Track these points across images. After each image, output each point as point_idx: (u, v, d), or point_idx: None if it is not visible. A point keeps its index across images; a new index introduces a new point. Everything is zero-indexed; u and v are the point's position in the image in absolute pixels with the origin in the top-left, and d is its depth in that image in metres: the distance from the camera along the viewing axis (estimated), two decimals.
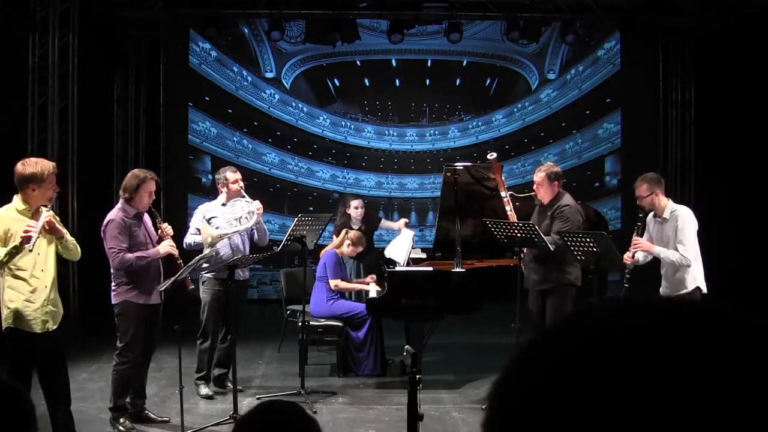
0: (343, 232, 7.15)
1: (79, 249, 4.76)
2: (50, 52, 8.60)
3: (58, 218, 4.74)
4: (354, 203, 7.98)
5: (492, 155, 6.33)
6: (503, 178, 6.35)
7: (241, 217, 5.95)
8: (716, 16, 10.23)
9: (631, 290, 5.42)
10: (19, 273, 4.41)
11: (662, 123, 11.43)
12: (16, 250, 4.28)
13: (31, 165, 4.48)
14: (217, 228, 5.91)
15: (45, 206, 4.47)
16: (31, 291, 4.44)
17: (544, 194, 5.86)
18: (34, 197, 4.45)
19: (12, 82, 8.43)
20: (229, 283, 5.65)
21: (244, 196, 6.11)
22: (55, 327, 4.58)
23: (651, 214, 5.52)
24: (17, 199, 4.47)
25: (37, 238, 4.27)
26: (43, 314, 4.48)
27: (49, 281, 4.53)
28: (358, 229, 7.51)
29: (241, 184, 6.21)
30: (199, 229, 5.93)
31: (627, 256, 5.45)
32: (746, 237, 9.74)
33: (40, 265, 4.47)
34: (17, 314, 4.42)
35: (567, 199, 5.87)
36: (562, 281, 5.74)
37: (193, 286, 5.67)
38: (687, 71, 11.35)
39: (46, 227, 4.37)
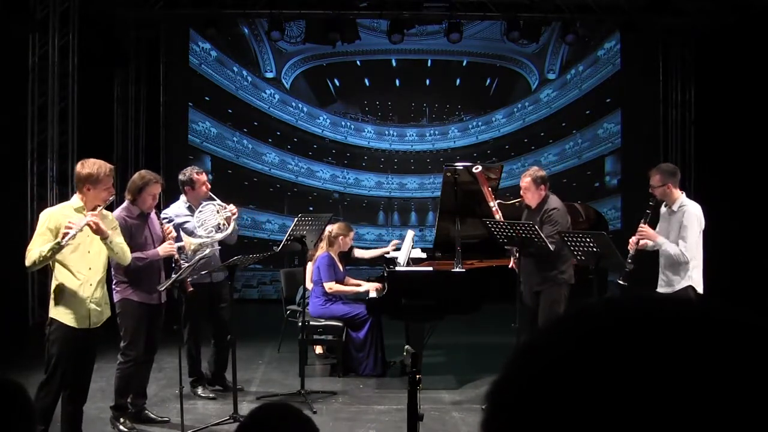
0: (326, 233, 7.02)
1: (127, 254, 4.81)
2: (50, 52, 8.61)
3: (111, 216, 4.83)
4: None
5: (477, 168, 6.35)
6: (489, 189, 6.36)
7: (219, 224, 5.88)
8: (716, 16, 10.23)
9: (633, 275, 5.42)
10: (66, 267, 4.51)
11: (662, 123, 11.44)
12: (59, 246, 4.37)
13: (89, 165, 4.61)
14: (198, 237, 5.82)
15: (99, 206, 4.55)
16: (77, 286, 4.54)
17: (531, 198, 5.93)
18: (90, 197, 4.58)
19: (12, 82, 8.43)
20: (220, 284, 5.65)
21: (214, 198, 6.00)
22: (97, 326, 4.66)
23: (664, 205, 5.54)
24: (76, 198, 4.64)
25: (74, 235, 4.36)
26: (86, 310, 4.57)
27: (95, 279, 4.61)
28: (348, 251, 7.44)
29: (209, 185, 6.09)
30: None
31: (632, 240, 5.48)
32: (746, 237, 9.74)
33: (89, 263, 4.57)
34: (62, 307, 4.53)
35: (554, 201, 5.93)
36: (557, 280, 5.79)
37: (192, 289, 5.60)
38: (687, 71, 11.35)
39: (92, 226, 4.44)
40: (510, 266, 6.11)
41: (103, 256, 4.68)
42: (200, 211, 5.91)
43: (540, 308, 5.79)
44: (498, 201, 6.28)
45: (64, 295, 4.53)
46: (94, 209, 4.53)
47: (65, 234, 4.34)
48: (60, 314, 4.55)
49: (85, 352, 4.68)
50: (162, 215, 5.85)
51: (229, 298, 5.82)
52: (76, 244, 4.48)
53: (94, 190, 4.57)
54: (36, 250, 4.41)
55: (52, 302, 4.58)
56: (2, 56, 8.29)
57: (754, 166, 9.73)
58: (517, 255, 5.93)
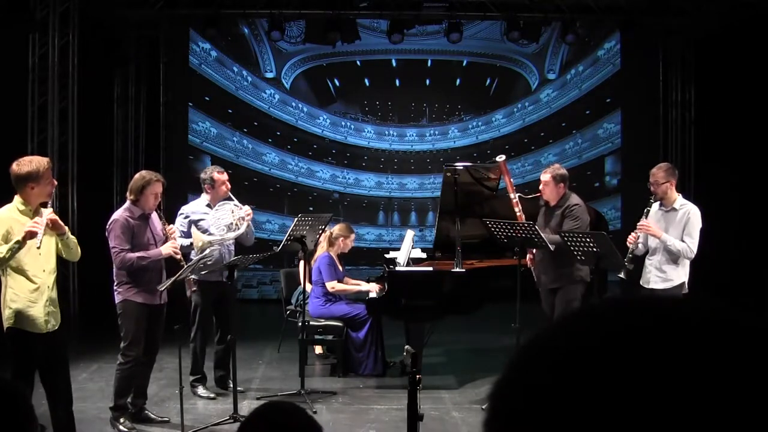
0: (326, 234, 6.99)
1: (78, 249, 4.71)
2: (50, 52, 8.59)
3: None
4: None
5: (501, 158, 6.31)
6: (512, 180, 6.35)
7: (231, 224, 5.88)
8: (716, 16, 10.23)
9: (634, 272, 5.47)
10: (21, 272, 4.38)
11: (662, 123, 11.44)
12: (18, 245, 4.24)
13: (26, 164, 4.42)
14: (208, 234, 5.85)
15: (45, 203, 4.44)
16: (34, 291, 4.41)
17: (550, 195, 5.93)
18: (34, 195, 4.41)
19: (12, 82, 8.42)
20: (228, 284, 5.68)
21: (232, 199, 6.03)
22: (57, 327, 4.56)
23: (656, 204, 5.55)
24: (17, 200, 4.43)
25: (44, 234, 4.23)
26: (46, 314, 4.46)
27: (51, 281, 4.50)
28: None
29: (229, 185, 6.12)
30: (184, 232, 5.87)
31: (632, 237, 5.51)
32: (746, 236, 9.74)
33: (42, 265, 4.44)
34: (20, 314, 4.38)
35: (575, 198, 5.96)
36: (573, 278, 5.80)
37: (194, 288, 5.57)
38: (687, 71, 11.34)
39: (50, 224, 4.34)
40: (528, 263, 6.07)
41: (54, 257, 4.53)
42: (217, 210, 5.97)
43: (555, 307, 5.80)
44: (519, 194, 6.26)
45: (22, 302, 4.36)
46: (38, 209, 4.37)
47: (31, 233, 4.18)
48: (20, 322, 4.37)
49: (52, 353, 4.53)
50: (179, 212, 5.97)
51: (232, 298, 5.85)
52: (28, 246, 4.29)
53: (38, 187, 4.38)
54: None
55: (7, 311, 4.37)
56: (2, 56, 8.29)
57: (755, 166, 9.73)
58: (532, 254, 5.95)
